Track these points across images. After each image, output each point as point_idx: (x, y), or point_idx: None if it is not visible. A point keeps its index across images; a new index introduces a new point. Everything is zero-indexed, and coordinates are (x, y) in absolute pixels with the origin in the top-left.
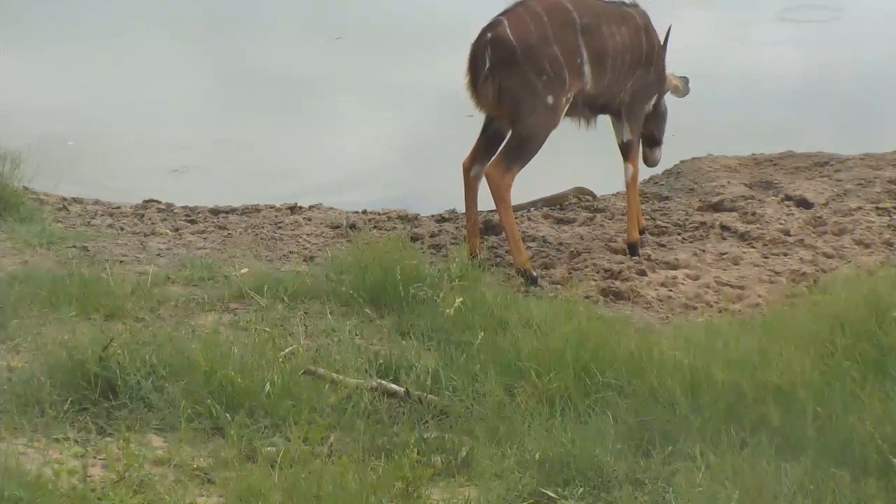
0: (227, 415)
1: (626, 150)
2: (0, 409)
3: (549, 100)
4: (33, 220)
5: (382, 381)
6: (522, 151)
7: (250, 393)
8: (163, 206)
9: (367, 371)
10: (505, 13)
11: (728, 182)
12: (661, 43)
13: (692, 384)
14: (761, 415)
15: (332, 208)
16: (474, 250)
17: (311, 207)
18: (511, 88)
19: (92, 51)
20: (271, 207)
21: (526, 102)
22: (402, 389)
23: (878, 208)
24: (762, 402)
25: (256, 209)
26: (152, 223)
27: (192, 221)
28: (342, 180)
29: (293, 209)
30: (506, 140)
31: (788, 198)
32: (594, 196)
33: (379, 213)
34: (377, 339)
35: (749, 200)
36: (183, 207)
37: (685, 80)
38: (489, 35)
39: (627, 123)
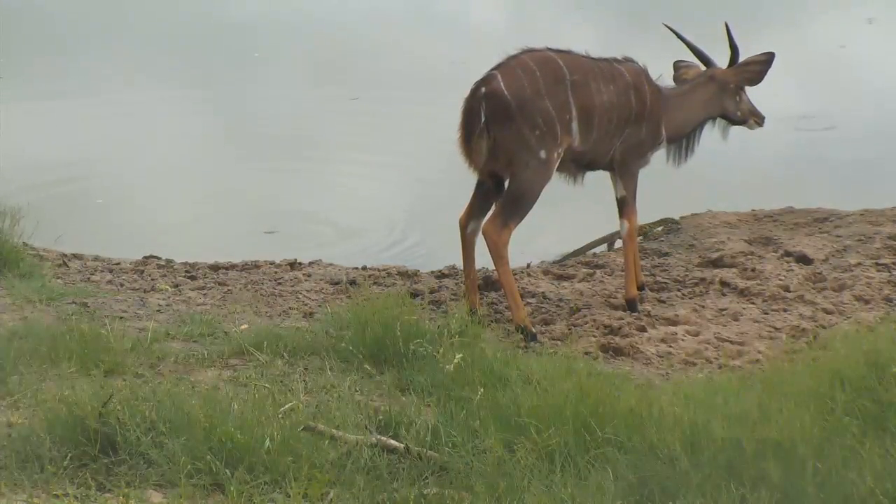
0: (227, 471)
1: (621, 206)
2: (0, 464)
3: (542, 154)
4: (33, 276)
5: (382, 437)
6: (518, 207)
7: (250, 449)
8: (162, 263)
9: (366, 427)
10: (498, 67)
11: (728, 238)
12: (658, 97)
13: (692, 440)
14: (761, 471)
15: (331, 264)
16: (473, 306)
17: (310, 263)
18: (505, 143)
19: (94, 106)
20: (271, 263)
21: (520, 157)
22: (402, 445)
23: (877, 264)
24: (762, 458)
25: (256, 265)
26: (152, 279)
27: (192, 277)
28: (343, 236)
29: (293, 265)
30: (501, 197)
31: (788, 254)
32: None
33: (379, 269)
34: (377, 395)
35: (749, 256)
36: (183, 263)
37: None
38: (483, 90)
39: (621, 180)
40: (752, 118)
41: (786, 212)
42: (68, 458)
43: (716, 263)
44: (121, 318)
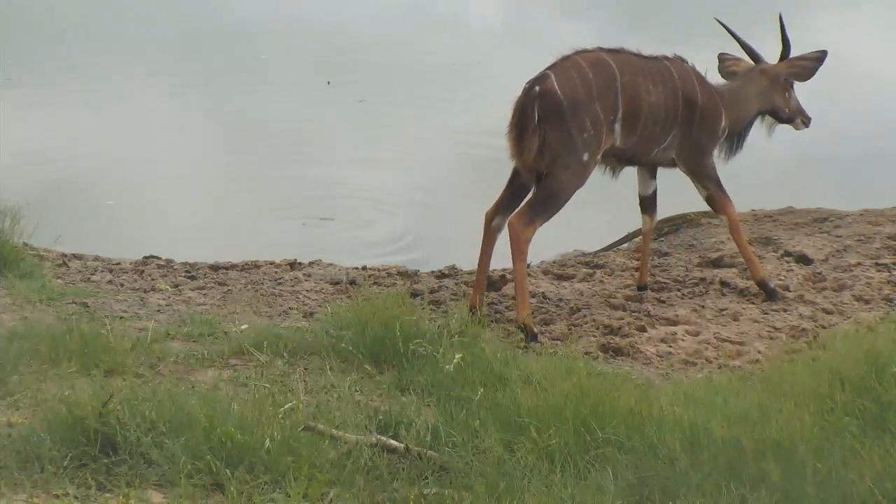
0: (227, 471)
1: (711, 205)
2: (0, 464)
3: (585, 157)
4: (33, 276)
5: (382, 437)
6: (548, 206)
7: (250, 449)
8: (162, 263)
9: (366, 427)
10: (551, 67)
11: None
12: (712, 93)
13: (692, 440)
14: (761, 471)
15: (331, 264)
16: (475, 303)
17: (310, 263)
18: (552, 143)
19: (97, 106)
20: (271, 263)
21: (562, 158)
22: (402, 445)
23: (877, 264)
24: (762, 458)
25: (256, 265)
26: (152, 279)
27: (192, 277)
28: (343, 235)
29: (293, 265)
30: (532, 193)
31: (788, 254)
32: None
33: (378, 269)
34: (377, 395)
35: None
36: (182, 263)
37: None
38: (537, 88)
39: (698, 183)
40: (800, 117)
41: (786, 212)
42: (68, 458)
43: (716, 263)
44: (121, 318)
